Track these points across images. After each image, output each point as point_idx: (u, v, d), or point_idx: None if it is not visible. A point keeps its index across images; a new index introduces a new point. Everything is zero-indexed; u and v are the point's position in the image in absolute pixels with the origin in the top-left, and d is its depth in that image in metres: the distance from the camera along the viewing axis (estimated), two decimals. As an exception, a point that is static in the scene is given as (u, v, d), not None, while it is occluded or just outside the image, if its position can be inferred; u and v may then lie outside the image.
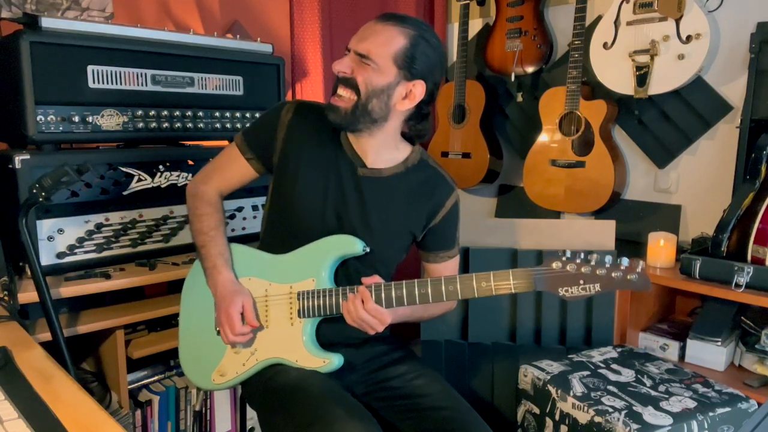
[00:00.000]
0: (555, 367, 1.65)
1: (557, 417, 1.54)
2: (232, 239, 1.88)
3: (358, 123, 1.23)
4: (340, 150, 1.30)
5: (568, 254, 1.13)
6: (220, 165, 1.40)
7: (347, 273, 1.30)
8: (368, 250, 1.26)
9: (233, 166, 1.37)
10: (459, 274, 1.23)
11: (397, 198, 1.30)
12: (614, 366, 1.67)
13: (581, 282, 1.11)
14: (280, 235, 1.33)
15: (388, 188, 1.30)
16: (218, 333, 1.34)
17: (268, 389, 1.27)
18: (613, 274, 1.09)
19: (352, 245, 1.26)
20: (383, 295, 1.20)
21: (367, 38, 1.19)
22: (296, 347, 1.27)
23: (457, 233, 1.40)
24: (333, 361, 1.25)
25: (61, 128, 1.54)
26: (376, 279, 1.21)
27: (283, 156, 1.31)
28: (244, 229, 1.93)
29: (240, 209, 1.91)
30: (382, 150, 1.29)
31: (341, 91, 1.22)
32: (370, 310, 1.18)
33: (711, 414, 1.41)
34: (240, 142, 1.36)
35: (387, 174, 1.30)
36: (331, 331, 1.29)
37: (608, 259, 1.11)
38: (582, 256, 1.13)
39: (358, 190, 1.28)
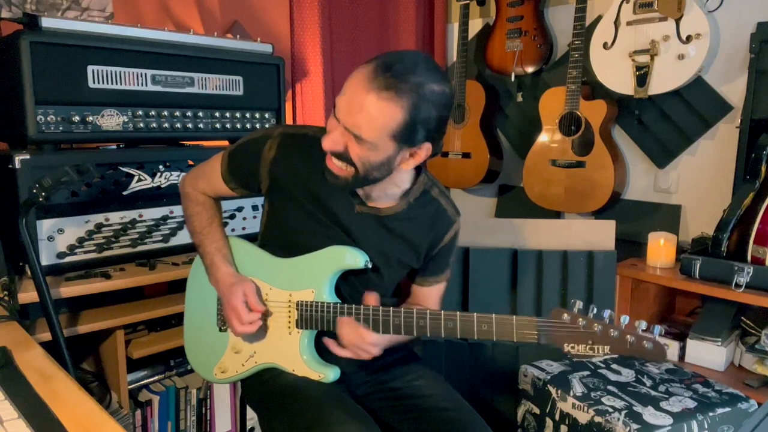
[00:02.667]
0: (555, 367, 1.65)
1: (557, 417, 1.54)
2: (232, 239, 1.88)
3: (362, 187, 1.17)
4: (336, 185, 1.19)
5: (580, 306, 1.04)
6: (208, 176, 1.35)
7: (348, 289, 1.28)
8: (370, 265, 1.22)
9: (219, 184, 1.33)
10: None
11: (395, 237, 1.25)
12: (614, 366, 1.67)
13: (590, 342, 1.02)
14: (279, 250, 1.30)
15: (386, 228, 1.23)
16: (220, 330, 1.35)
17: (267, 391, 1.27)
18: (626, 337, 1.00)
19: (354, 258, 1.21)
20: (381, 320, 1.17)
21: (358, 113, 1.01)
22: (293, 357, 1.25)
23: (450, 260, 1.35)
24: (329, 375, 1.23)
25: (61, 128, 1.54)
26: (373, 300, 1.19)
27: (271, 188, 1.26)
28: (244, 229, 1.93)
29: (240, 209, 1.91)
30: (385, 190, 1.21)
31: (336, 161, 1.10)
32: (364, 339, 1.15)
33: (711, 414, 1.41)
34: (224, 171, 1.30)
35: (386, 213, 1.22)
36: (331, 334, 1.28)
37: (624, 319, 1.02)
38: (594, 311, 1.04)
39: (355, 228, 1.23)
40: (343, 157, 1.08)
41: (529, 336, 1.07)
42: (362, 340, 1.16)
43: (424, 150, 1.10)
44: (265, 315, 1.28)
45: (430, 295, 1.37)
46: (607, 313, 1.03)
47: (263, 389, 1.29)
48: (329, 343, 1.21)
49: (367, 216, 1.23)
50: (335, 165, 1.10)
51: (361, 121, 1.02)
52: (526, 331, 1.07)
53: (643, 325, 1.01)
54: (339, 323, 1.18)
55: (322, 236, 1.23)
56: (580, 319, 1.03)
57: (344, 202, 1.22)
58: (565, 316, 1.04)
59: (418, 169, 1.24)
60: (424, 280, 1.36)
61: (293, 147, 1.23)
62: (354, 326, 1.17)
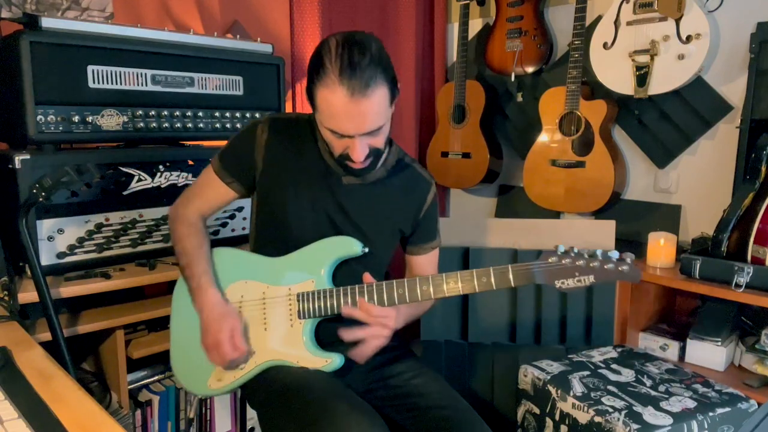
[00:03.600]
0: (555, 367, 1.65)
1: (557, 417, 1.54)
2: (231, 240, 1.89)
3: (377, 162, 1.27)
4: (322, 160, 1.30)
5: (562, 249, 1.18)
6: (200, 189, 1.39)
7: (344, 274, 1.31)
8: (367, 250, 1.28)
9: (213, 191, 1.37)
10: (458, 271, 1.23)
11: (382, 202, 1.33)
12: (614, 366, 1.67)
13: (576, 274, 1.17)
14: (273, 244, 1.33)
15: (372, 194, 1.32)
16: None
17: (269, 389, 1.27)
18: (605, 266, 1.16)
19: (351, 246, 1.27)
20: (385, 293, 1.23)
21: (367, 117, 1.12)
22: (297, 348, 1.27)
23: (438, 224, 1.45)
24: (335, 360, 1.25)
25: (61, 128, 1.54)
26: (371, 279, 1.24)
27: (265, 174, 1.31)
28: (244, 229, 1.93)
29: (240, 209, 1.91)
30: None
31: (367, 161, 1.20)
32: (378, 314, 1.21)
33: (711, 414, 1.41)
34: (218, 168, 1.35)
35: (370, 180, 1.31)
36: (330, 330, 1.29)
37: (599, 252, 1.17)
38: (575, 250, 1.18)
39: (345, 199, 1.30)
40: (371, 152, 1.19)
41: (525, 278, 1.19)
42: (369, 314, 1.20)
43: (395, 99, 1.20)
44: (264, 313, 1.29)
45: (428, 262, 1.45)
46: (586, 251, 1.18)
47: (265, 388, 1.29)
48: (344, 332, 1.23)
49: (355, 186, 1.30)
50: (364, 162, 1.19)
51: (373, 118, 1.13)
52: (521, 275, 1.19)
53: (616, 254, 1.17)
54: (346, 313, 1.23)
55: (316, 216, 1.28)
56: (564, 259, 1.18)
57: (332, 176, 1.29)
58: (552, 258, 1.19)
59: (389, 141, 1.33)
60: (420, 248, 1.43)
61: (283, 128, 1.31)
62: (358, 308, 1.21)
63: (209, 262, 1.34)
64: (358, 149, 1.16)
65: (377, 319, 1.21)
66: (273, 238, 1.32)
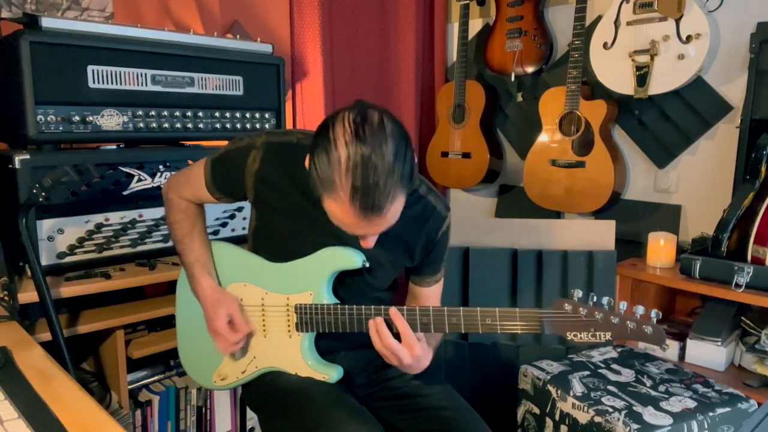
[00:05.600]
0: (555, 367, 1.65)
1: (557, 417, 1.54)
2: (231, 240, 1.89)
3: None
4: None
5: (580, 295, 1.08)
6: (192, 183, 1.33)
7: (344, 289, 1.27)
8: (368, 265, 1.21)
9: (203, 193, 1.31)
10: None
11: (386, 238, 1.21)
12: (614, 366, 1.67)
13: (592, 329, 1.06)
14: (271, 255, 1.28)
15: None
16: None
17: (268, 393, 1.27)
18: (626, 323, 1.04)
19: (351, 258, 1.20)
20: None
21: (381, 225, 1.03)
22: (295, 360, 1.25)
23: (444, 257, 1.35)
24: (332, 375, 1.23)
25: (61, 128, 1.54)
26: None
27: (256, 199, 1.25)
28: (244, 229, 1.93)
29: (240, 209, 1.91)
30: None
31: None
32: (405, 338, 1.13)
33: (711, 414, 1.41)
34: (209, 181, 1.28)
35: None
36: (331, 339, 1.28)
37: (623, 305, 1.06)
38: (594, 299, 1.07)
39: (347, 234, 1.18)
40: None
41: (533, 327, 1.09)
42: (382, 342, 1.15)
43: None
44: (263, 320, 1.28)
45: (431, 295, 1.38)
46: (606, 300, 1.06)
47: (264, 392, 1.29)
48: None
49: None
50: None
51: (388, 225, 1.04)
52: (529, 322, 1.09)
53: (641, 310, 1.04)
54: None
55: (314, 244, 1.22)
56: (581, 309, 1.06)
57: None
58: (567, 306, 1.07)
59: None
60: (423, 281, 1.35)
61: (277, 158, 1.21)
62: (382, 327, 1.15)
63: (202, 247, 1.32)
64: (369, 242, 1.10)
65: (398, 345, 1.14)
66: (271, 252, 1.29)
